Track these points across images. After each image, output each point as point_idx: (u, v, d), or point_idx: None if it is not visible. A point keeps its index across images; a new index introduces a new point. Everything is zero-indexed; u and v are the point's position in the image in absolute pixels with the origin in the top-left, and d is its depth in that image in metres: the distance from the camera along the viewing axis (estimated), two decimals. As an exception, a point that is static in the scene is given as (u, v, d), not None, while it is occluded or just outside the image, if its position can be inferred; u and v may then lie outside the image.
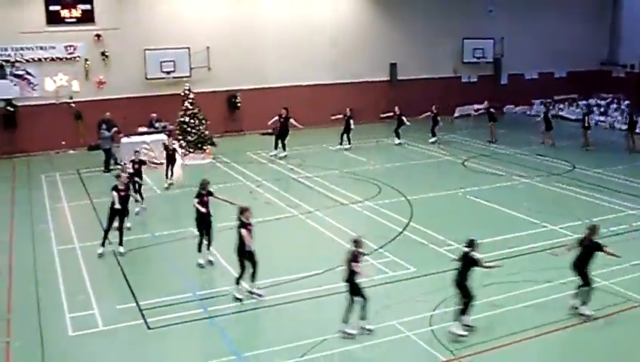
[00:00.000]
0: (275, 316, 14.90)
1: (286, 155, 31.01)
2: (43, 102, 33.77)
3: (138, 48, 34.89)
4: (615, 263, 15.82)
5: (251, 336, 14.02)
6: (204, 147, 30.99)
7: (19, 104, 33.32)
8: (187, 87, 31.38)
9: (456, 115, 42.66)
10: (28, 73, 33.68)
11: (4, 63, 33.12)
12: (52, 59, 33.95)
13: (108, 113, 30.67)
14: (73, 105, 34.27)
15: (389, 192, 24.82)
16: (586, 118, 33.94)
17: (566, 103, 44.41)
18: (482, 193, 24.56)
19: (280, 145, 31.23)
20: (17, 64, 33.36)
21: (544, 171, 28.09)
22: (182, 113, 31.02)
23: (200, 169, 27.78)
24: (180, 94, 31.54)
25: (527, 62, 45.31)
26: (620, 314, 14.61)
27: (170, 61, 35.48)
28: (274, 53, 38.40)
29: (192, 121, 30.91)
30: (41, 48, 33.71)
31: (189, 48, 35.84)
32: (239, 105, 37.35)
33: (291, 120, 30.97)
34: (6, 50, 33.07)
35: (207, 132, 30.92)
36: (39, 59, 33.71)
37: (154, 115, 33.20)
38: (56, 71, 34.13)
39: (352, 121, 33.15)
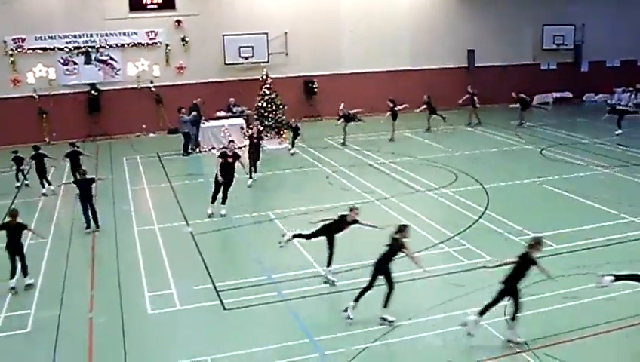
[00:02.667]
0: (348, 302, 14.98)
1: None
2: (125, 87, 34.71)
3: (217, 34, 35.42)
4: None
5: (324, 321, 14.13)
6: (282, 132, 31.29)
7: (102, 88, 34.32)
8: (265, 73, 31.70)
9: (534, 102, 41.88)
10: (111, 58, 34.64)
11: (89, 49, 34.10)
12: (134, 45, 34.81)
13: (199, 98, 31.34)
14: (154, 89, 35.05)
15: (465, 180, 24.64)
16: None
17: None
18: (560, 182, 24.12)
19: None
20: (101, 50, 34.33)
21: (625, 161, 27.38)
22: (259, 98, 31.36)
23: (277, 154, 28.07)
24: (257, 79, 31.91)
25: (609, 49, 44.06)
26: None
27: (249, 46, 35.90)
28: (351, 39, 38.43)
29: (269, 106, 31.22)
30: (124, 34, 34.60)
31: (266, 34, 36.20)
32: (316, 90, 37.55)
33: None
34: (91, 36, 34.06)
35: (284, 117, 31.17)
36: (122, 45, 34.62)
37: (232, 99, 33.67)
38: (138, 56, 34.99)
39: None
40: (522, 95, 35.15)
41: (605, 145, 30.67)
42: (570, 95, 42.54)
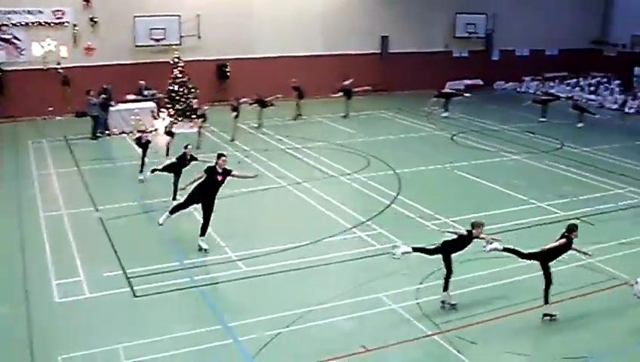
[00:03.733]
0: (261, 287, 14.90)
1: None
2: (31, 68, 33.45)
3: (127, 15, 34.54)
4: (601, 241, 15.90)
5: (237, 306, 13.99)
6: (193, 116, 30.76)
7: (6, 69, 33.00)
8: (177, 55, 31.17)
9: (446, 90, 42.49)
10: (15, 38, 33.30)
11: (-10, 27, 32.78)
12: (40, 24, 33.58)
13: (110, 84, 30.51)
14: (61, 71, 33.95)
15: (377, 165, 24.82)
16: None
17: (557, 81, 44.37)
18: (471, 168, 24.58)
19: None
20: (4, 28, 32.95)
21: (533, 148, 28.11)
22: (171, 81, 30.84)
23: (187, 138, 27.49)
24: (169, 62, 31.34)
25: (519, 38, 45.10)
26: (605, 292, 14.69)
27: (160, 28, 35.17)
28: (264, 23, 38.08)
29: (181, 89, 30.75)
30: (29, 12, 33.32)
31: (179, 16, 35.53)
32: (229, 74, 37.13)
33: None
34: (-7, 13, 32.72)
35: (195, 100, 30.70)
36: (26, 24, 33.33)
37: (143, 82, 32.97)
38: (44, 36, 33.77)
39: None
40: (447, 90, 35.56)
41: (514, 131, 31.42)
42: (481, 83, 43.34)
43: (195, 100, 29.85)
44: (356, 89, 33.63)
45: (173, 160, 20.05)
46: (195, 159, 19.59)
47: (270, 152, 26.71)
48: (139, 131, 23.59)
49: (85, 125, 29.84)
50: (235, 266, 15.76)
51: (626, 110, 36.59)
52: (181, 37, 35.53)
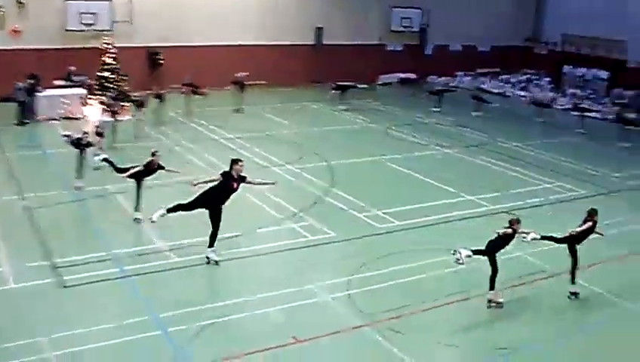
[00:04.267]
0: (192, 277, 14.74)
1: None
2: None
3: (57, -2, 33.66)
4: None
5: (167, 297, 13.74)
6: (128, 103, 30.19)
7: None
8: (107, 41, 30.53)
9: (379, 82, 42.78)
10: None
11: None
12: (-38, 4, 32.45)
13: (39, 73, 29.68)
14: (-14, 53, 32.89)
15: (311, 157, 24.80)
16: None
17: (489, 77, 45.08)
18: (403, 161, 24.78)
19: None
20: None
21: (464, 142, 28.50)
22: (101, 68, 30.21)
23: (117, 126, 26.99)
24: (100, 48, 30.68)
25: (453, 34, 45.54)
26: (531, 285, 14.99)
27: (92, 13, 34.34)
28: (198, 11, 37.53)
29: (111, 76, 30.16)
30: (-50, -8, 32.15)
31: (110, 1, 34.77)
32: (161, 62, 36.53)
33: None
34: None
35: (127, 88, 30.14)
36: (-53, 3, 32.15)
37: (72, 68, 32.16)
38: (-33, 17, 32.66)
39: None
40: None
41: (446, 125, 31.79)
42: (415, 77, 43.69)
43: (141, 93, 29.05)
44: (250, 82, 32.69)
45: (140, 167, 17.28)
46: (162, 168, 17.44)
47: (202, 142, 26.39)
48: (84, 133, 20.59)
49: (11, 111, 28.92)
50: (165, 256, 15.53)
51: (556, 106, 37.35)
52: (113, 22, 34.78)
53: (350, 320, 13.02)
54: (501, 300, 13.96)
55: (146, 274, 14.76)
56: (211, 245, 15.19)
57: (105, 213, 18.12)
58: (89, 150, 20.16)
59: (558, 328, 13.37)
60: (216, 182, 14.85)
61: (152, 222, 14.79)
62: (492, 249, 13.70)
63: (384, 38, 43.89)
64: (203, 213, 15.16)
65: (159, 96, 28.89)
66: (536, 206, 20.39)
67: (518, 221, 13.79)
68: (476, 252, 13.62)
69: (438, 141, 28.36)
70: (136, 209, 17.39)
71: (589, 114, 33.21)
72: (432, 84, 42.78)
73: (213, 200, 14.87)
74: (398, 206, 19.42)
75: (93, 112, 27.29)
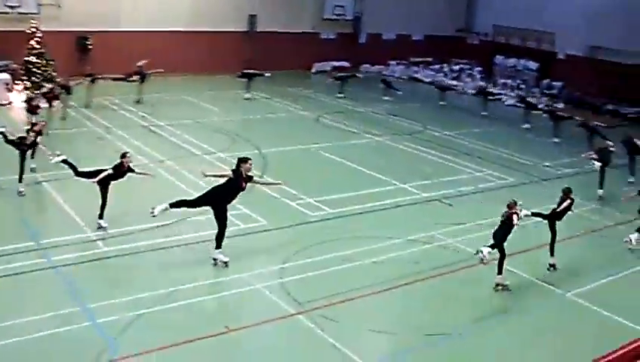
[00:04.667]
0: (122, 267, 14.43)
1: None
2: None
3: (-21, -22, 32.52)
4: (461, 222, 16.39)
5: (96, 288, 13.42)
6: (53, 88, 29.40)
7: None
8: (34, 25, 29.68)
9: (313, 70, 42.73)
10: None
11: None
12: None
13: None
14: None
15: (242, 145, 24.58)
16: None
17: (421, 66, 45.47)
18: (335, 149, 24.77)
19: None
20: None
21: (396, 131, 28.67)
22: (27, 52, 29.37)
23: (44, 112, 26.30)
24: (26, 32, 29.80)
25: (386, 23, 45.78)
26: (462, 271, 15.16)
27: (16, -5, 33.33)
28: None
29: (37, 61, 29.37)
30: None
31: (37, -18, 33.80)
32: (90, 47, 35.67)
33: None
34: None
35: (55, 73, 29.38)
36: None
37: (-5, 52, 31.18)
38: None
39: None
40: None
41: (379, 114, 31.96)
42: (348, 65, 43.76)
43: (67, 78, 28.17)
44: (150, 71, 31.91)
45: (109, 170, 15.70)
46: (132, 171, 16.12)
47: (132, 129, 25.91)
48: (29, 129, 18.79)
49: None
50: (94, 246, 15.18)
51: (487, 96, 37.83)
52: (39, 5, 33.76)
53: (283, 309, 12.93)
54: (507, 283, 14.40)
55: (75, 264, 14.36)
56: (218, 246, 14.63)
57: (30, 202, 17.60)
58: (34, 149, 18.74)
59: (489, 313, 13.55)
60: (224, 181, 14.40)
61: (153, 216, 14.09)
62: (502, 238, 14.12)
63: (318, 27, 43.82)
64: (132, 202, 14.87)
65: (92, 80, 28.24)
66: (467, 194, 20.65)
67: (515, 203, 14.22)
68: (493, 246, 14.02)
69: (370, 129, 28.46)
70: (101, 216, 15.96)
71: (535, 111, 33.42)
72: (365, 72, 42.90)
73: (222, 198, 14.44)
74: (331, 194, 19.41)
75: (18, 98, 26.49)
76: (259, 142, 24.82)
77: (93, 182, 15.71)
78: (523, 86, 40.79)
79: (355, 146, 25.80)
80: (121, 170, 15.79)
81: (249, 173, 14.63)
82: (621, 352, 10.24)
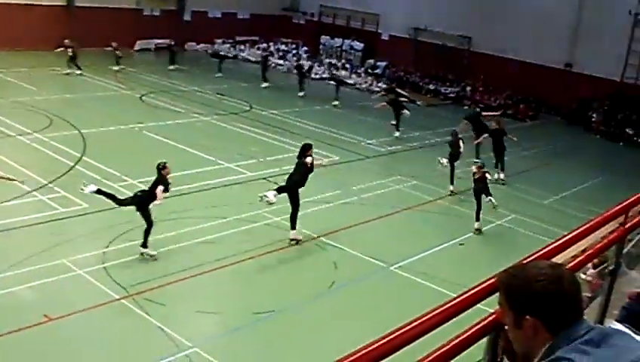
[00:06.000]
0: None
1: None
2: None
3: None
4: (286, 200, 16.49)
5: None
6: None
7: None
8: None
9: (136, 48, 41.49)
10: None
11: None
12: None
13: None
14: None
15: (60, 125, 23.42)
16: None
17: (247, 45, 45.26)
18: (160, 129, 24.20)
19: None
20: None
21: (223, 110, 28.42)
22: None
23: None
24: None
25: (212, 0, 45.16)
26: (289, 249, 15.30)
27: None
28: None
29: None
30: None
31: None
32: None
33: None
34: None
35: None
36: None
37: None
38: None
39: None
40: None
41: (205, 93, 31.53)
42: (173, 43, 42.79)
43: None
44: None
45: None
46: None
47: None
48: None
49: None
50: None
51: (312, 75, 38.31)
52: None
53: (107, 294, 12.51)
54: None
55: None
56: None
57: None
58: None
59: (315, 289, 13.77)
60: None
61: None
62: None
63: (141, 3, 42.50)
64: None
65: None
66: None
67: (482, 165, 17.68)
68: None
69: (196, 109, 28.03)
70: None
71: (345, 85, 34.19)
72: (191, 50, 42.22)
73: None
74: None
75: None
76: (79, 122, 23.73)
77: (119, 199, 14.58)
78: (348, 66, 41.58)
79: (180, 126, 25.29)
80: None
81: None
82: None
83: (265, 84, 34.49)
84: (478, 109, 27.10)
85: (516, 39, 35.64)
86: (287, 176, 15.94)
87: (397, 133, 26.32)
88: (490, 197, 17.81)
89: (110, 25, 38.51)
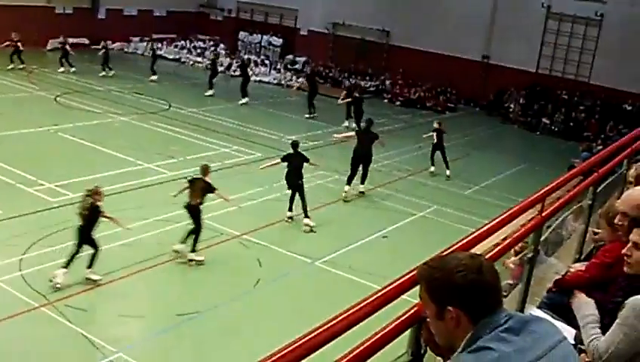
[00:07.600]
0: None
1: None
2: None
3: None
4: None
5: None
6: None
7: None
8: None
9: (49, 47, 40.37)
10: None
11: None
12: None
13: None
14: None
15: (-29, 129, 22.62)
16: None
17: (165, 43, 44.57)
18: (76, 131, 23.57)
19: None
20: None
21: (141, 109, 27.91)
22: None
23: None
24: None
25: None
26: (215, 248, 15.14)
27: None
28: None
29: None
30: None
31: None
32: None
33: None
34: None
35: None
36: None
37: None
38: None
39: None
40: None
41: (121, 92, 30.90)
42: (87, 42, 41.82)
43: None
44: None
45: None
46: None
47: None
48: None
49: None
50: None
51: (231, 73, 38.04)
52: None
53: (25, 303, 12.11)
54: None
55: None
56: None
57: None
58: None
59: (240, 287, 13.68)
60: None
61: None
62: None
63: (52, 0, 41.36)
64: None
65: None
66: (214, 171, 20.51)
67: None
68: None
69: (113, 108, 27.46)
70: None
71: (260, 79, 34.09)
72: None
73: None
74: (73, 178, 18.40)
75: None
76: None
77: None
78: (267, 61, 41.40)
79: (97, 127, 24.71)
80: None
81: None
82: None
83: (154, 77, 34.23)
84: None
85: (434, 32, 36.17)
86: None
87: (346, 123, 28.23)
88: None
89: (20, 23, 37.27)
